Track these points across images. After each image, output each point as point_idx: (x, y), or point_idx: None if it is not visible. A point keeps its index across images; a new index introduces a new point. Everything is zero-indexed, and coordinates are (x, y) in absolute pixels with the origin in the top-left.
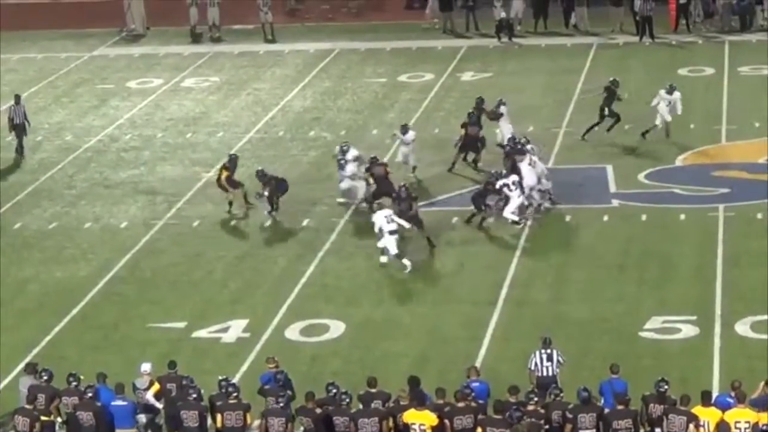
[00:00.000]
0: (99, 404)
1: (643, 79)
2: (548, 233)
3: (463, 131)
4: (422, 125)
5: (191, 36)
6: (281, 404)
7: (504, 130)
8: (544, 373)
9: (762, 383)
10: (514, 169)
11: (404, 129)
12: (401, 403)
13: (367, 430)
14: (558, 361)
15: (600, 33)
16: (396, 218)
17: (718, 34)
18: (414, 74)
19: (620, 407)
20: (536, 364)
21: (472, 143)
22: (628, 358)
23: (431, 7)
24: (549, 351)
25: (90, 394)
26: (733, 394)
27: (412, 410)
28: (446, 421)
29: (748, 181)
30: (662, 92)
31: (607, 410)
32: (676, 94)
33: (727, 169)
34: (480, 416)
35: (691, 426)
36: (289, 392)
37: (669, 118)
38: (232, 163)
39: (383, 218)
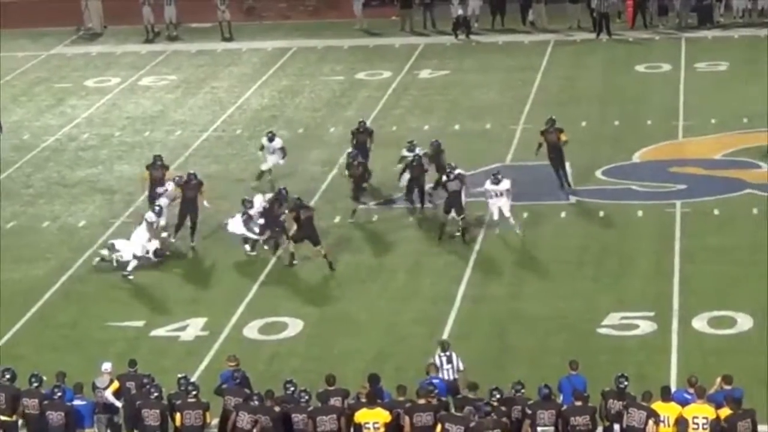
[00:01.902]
0: (69, 404)
1: (600, 76)
2: (505, 230)
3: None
4: (380, 123)
5: (146, 35)
6: (256, 401)
7: (269, 161)
8: (444, 377)
9: (719, 378)
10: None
11: (270, 136)
12: (362, 400)
13: (325, 428)
14: (458, 366)
15: (557, 30)
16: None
17: (674, 31)
18: (372, 72)
19: (578, 403)
20: (436, 368)
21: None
22: (586, 354)
23: (357, 7)
24: (448, 354)
25: (59, 394)
26: (691, 390)
27: (364, 409)
28: (406, 418)
29: (704, 177)
30: None
31: (565, 407)
32: None
33: (683, 165)
34: (441, 413)
35: (651, 422)
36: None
37: None
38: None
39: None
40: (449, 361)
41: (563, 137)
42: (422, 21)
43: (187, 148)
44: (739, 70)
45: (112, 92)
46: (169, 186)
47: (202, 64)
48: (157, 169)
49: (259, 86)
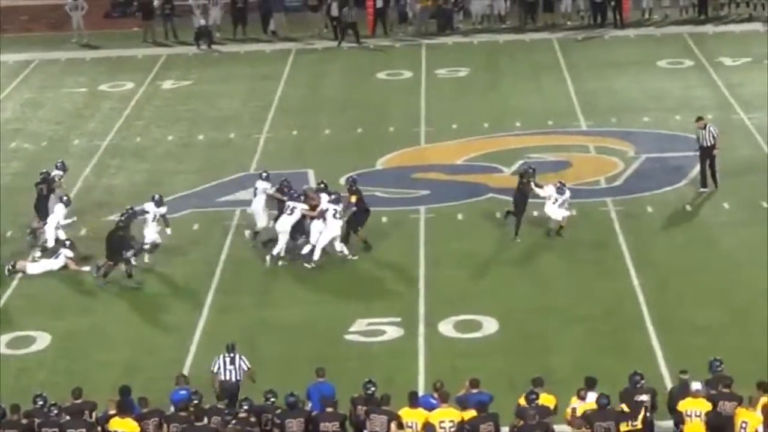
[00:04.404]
0: None
1: (342, 84)
2: (250, 238)
3: None
4: (123, 134)
5: None
6: None
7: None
8: (227, 377)
9: (467, 382)
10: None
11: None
12: (110, 412)
13: None
14: (242, 366)
15: (298, 38)
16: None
17: (414, 38)
18: (114, 83)
19: (330, 410)
20: (219, 367)
21: None
22: (335, 361)
23: (75, 20)
24: (232, 355)
25: None
26: (436, 394)
27: (117, 418)
28: (164, 426)
29: (447, 182)
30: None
31: (315, 413)
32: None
33: (426, 171)
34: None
35: (393, 425)
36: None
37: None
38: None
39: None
40: (232, 362)
41: None
42: (164, 32)
43: None
44: (479, 75)
45: None
46: None
47: None
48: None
49: (2, 100)
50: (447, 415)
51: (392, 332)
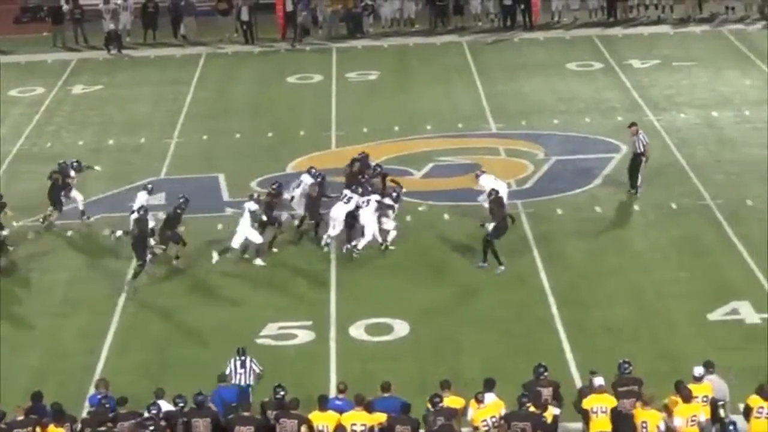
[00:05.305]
0: None
1: (252, 88)
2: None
3: None
4: (34, 140)
5: None
6: None
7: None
8: (237, 380)
9: (380, 386)
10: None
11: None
12: (18, 418)
13: None
14: (253, 369)
15: (209, 43)
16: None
17: (325, 42)
18: (24, 89)
19: (246, 414)
20: (231, 371)
21: None
22: None
23: None
24: (243, 359)
25: None
26: (341, 396)
27: (52, 426)
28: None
29: None
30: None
31: (230, 417)
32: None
33: (339, 174)
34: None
35: (303, 428)
36: None
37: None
38: None
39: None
40: (243, 365)
41: None
42: (74, 36)
43: None
44: (390, 79)
45: None
46: None
47: None
48: None
49: None
50: (358, 419)
51: (303, 336)
